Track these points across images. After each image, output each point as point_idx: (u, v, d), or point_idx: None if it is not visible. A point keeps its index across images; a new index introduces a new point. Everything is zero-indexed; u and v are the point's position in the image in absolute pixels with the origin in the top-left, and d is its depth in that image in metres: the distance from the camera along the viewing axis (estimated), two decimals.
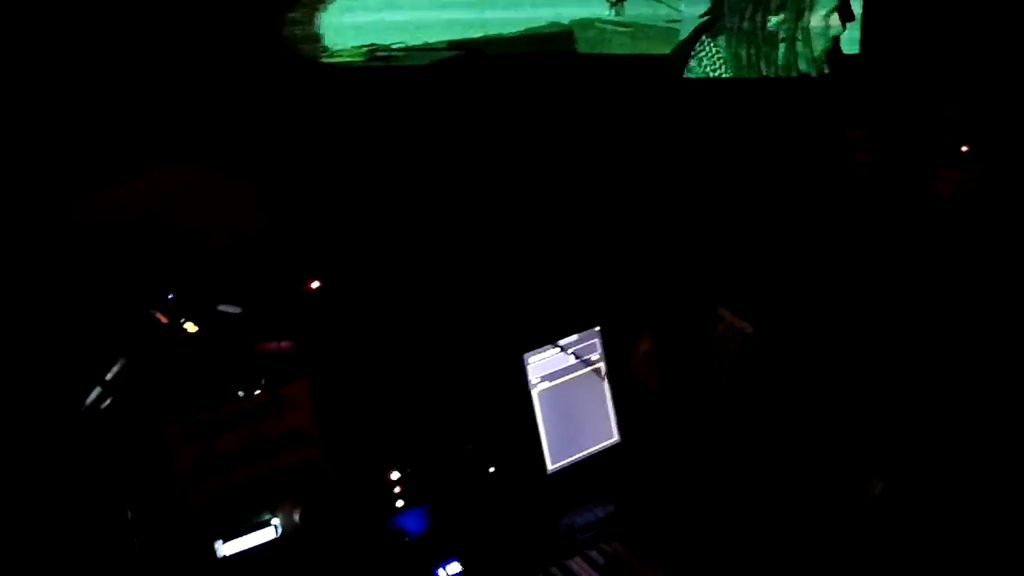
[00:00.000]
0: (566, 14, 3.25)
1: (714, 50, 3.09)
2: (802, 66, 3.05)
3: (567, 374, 2.29)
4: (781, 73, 3.07)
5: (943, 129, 2.08)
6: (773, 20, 3.03)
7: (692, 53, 3.10)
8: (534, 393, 2.26)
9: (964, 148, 2.01)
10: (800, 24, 3.05)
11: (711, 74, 3.09)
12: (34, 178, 2.12)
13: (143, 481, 1.92)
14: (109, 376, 1.80)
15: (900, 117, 2.18)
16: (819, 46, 3.08)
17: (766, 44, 3.09)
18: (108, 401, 1.79)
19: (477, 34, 3.13)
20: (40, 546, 1.84)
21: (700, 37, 3.10)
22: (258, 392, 2.04)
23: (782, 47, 3.04)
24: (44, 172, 2.14)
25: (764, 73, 3.08)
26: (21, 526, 1.82)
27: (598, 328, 2.33)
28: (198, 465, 1.97)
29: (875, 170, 2.07)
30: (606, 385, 2.33)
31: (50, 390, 1.84)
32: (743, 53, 3.09)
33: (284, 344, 2.16)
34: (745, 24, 3.05)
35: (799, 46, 3.05)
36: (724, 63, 3.11)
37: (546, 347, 2.26)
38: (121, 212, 2.12)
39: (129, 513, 1.91)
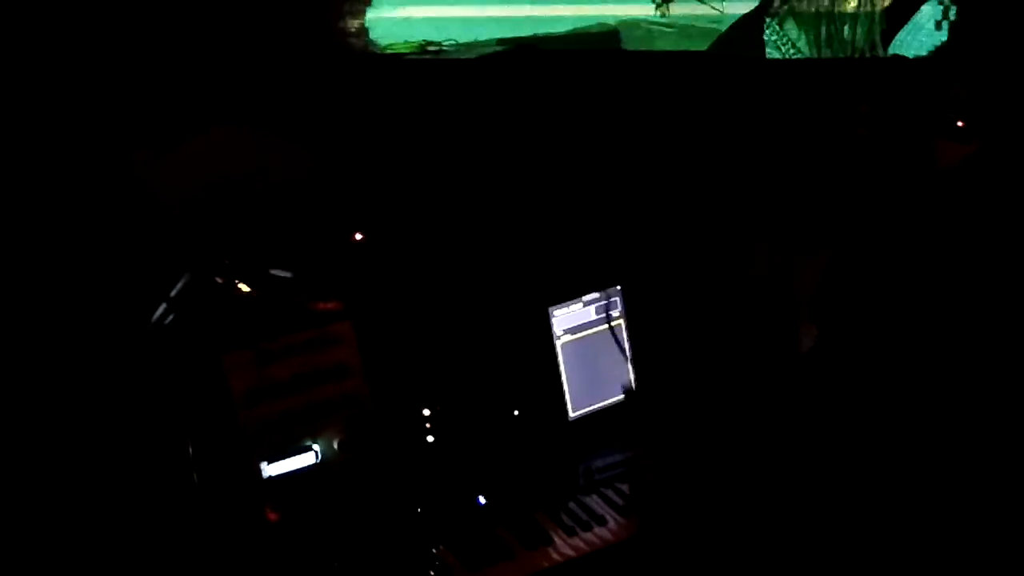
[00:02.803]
0: (612, 14, 3.46)
1: (783, 34, 3.28)
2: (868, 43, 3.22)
3: (590, 328, 2.48)
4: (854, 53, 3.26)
5: (945, 105, 2.18)
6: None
7: (765, 39, 3.29)
8: (558, 344, 2.44)
9: (961, 124, 2.10)
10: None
11: (788, 55, 3.28)
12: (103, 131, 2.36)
13: (200, 403, 2.15)
14: (173, 293, 2.02)
15: (905, 92, 2.30)
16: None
17: (836, 23, 3.27)
18: (171, 318, 2.02)
19: (526, 32, 3.36)
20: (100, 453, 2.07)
21: (758, 25, 3.29)
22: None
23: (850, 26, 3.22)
24: (110, 128, 2.38)
25: (837, 53, 3.27)
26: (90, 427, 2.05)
27: (619, 287, 2.51)
28: (251, 391, 2.19)
29: (875, 140, 2.19)
30: (626, 341, 2.51)
31: (123, 310, 2.08)
32: (811, 34, 3.28)
33: (332, 304, 2.37)
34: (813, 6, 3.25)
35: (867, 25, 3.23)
36: (795, 45, 3.30)
37: (569, 302, 2.45)
38: (180, 166, 2.34)
39: (187, 436, 2.13)
